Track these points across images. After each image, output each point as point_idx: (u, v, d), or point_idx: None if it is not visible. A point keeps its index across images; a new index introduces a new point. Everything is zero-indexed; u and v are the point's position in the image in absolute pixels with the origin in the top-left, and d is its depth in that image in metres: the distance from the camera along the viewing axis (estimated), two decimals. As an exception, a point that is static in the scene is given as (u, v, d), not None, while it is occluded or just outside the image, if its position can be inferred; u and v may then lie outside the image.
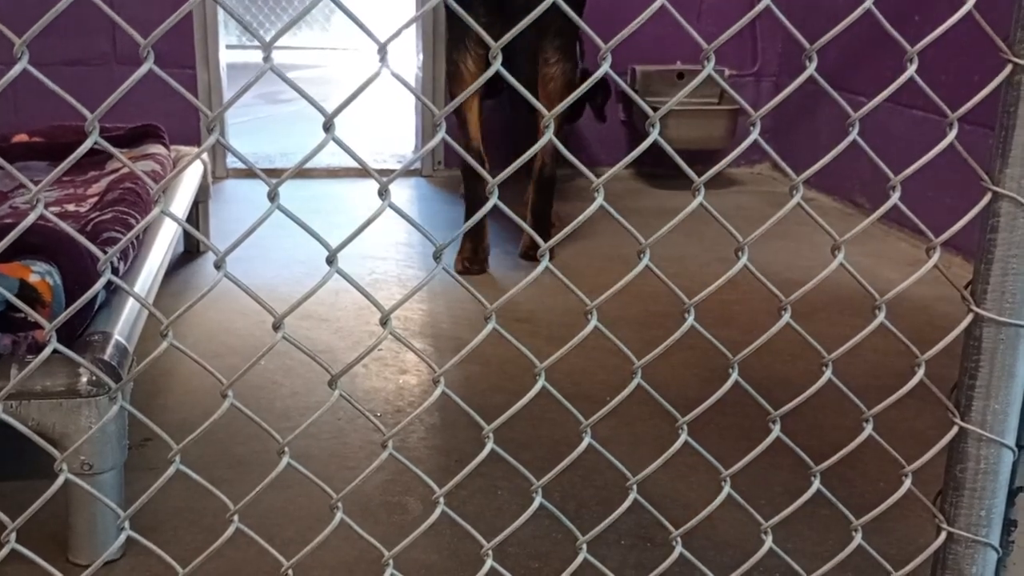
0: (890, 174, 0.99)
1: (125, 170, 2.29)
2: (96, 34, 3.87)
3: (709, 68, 0.89)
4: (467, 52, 2.98)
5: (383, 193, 0.85)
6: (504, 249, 3.11)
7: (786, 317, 1.00)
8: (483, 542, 1.03)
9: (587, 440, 1.01)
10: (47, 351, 0.80)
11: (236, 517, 0.94)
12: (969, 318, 1.02)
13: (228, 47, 4.26)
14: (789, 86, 0.97)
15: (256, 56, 6.75)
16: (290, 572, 0.99)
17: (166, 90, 0.79)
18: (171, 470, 0.90)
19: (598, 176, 0.91)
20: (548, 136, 0.86)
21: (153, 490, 0.90)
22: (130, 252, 1.89)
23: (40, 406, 1.39)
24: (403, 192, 3.96)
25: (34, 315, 0.80)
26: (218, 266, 0.81)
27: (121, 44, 3.90)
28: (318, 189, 3.93)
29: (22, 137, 2.65)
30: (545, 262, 0.92)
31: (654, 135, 0.89)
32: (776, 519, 1.11)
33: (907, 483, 1.10)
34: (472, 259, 2.94)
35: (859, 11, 0.92)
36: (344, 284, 2.95)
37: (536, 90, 2.95)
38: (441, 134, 0.84)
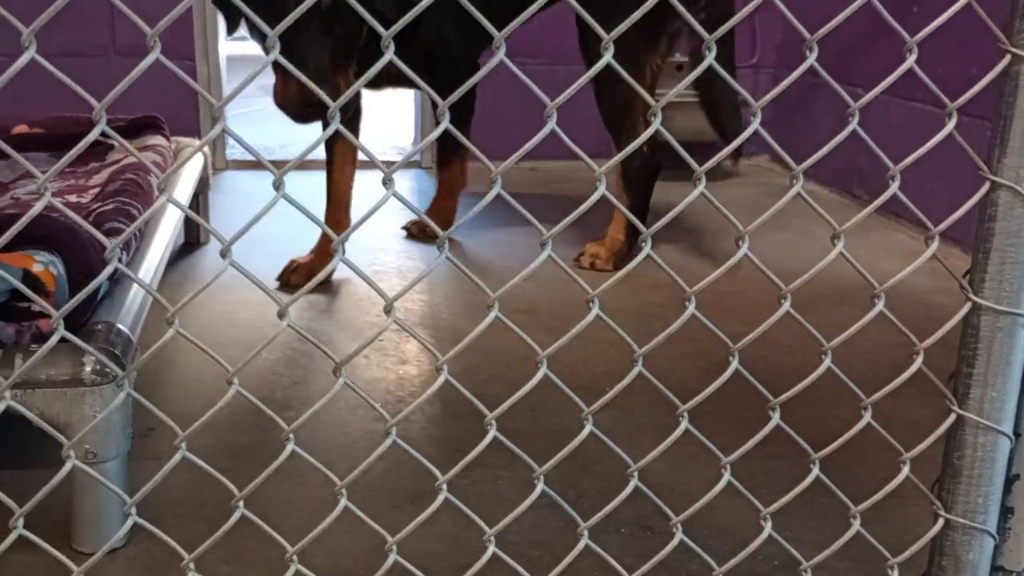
0: (889, 164, 1.00)
1: (126, 161, 2.30)
2: (94, 25, 3.87)
3: (710, 59, 0.90)
4: (659, 53, 2.86)
5: (387, 182, 0.86)
6: (503, 240, 3.12)
7: (786, 306, 1.01)
8: (485, 529, 1.04)
9: (588, 428, 1.02)
10: (55, 339, 0.80)
11: (240, 504, 0.95)
12: (967, 307, 1.03)
13: (227, 38, 4.25)
14: (788, 77, 0.98)
15: (255, 48, 6.70)
16: (294, 559, 1.00)
17: (165, 81, 0.79)
18: (177, 457, 0.91)
19: (599, 166, 0.92)
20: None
21: (159, 477, 0.90)
22: (132, 243, 1.90)
23: (45, 395, 1.40)
24: (403, 184, 3.96)
25: (42, 303, 0.81)
26: (224, 255, 0.82)
27: (120, 35, 3.90)
28: (316, 181, 3.92)
29: (22, 128, 2.65)
30: (547, 251, 0.93)
31: (656, 124, 0.90)
32: (775, 506, 1.12)
33: (905, 471, 1.11)
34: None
35: (859, 2, 0.93)
36: (344, 274, 2.96)
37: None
38: (445, 124, 0.85)
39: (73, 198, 2.13)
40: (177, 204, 0.82)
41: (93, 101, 0.72)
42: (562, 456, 1.03)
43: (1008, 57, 0.96)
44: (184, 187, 2.64)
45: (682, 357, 2.23)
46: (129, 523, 0.95)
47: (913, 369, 1.05)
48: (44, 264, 1.44)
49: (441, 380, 0.96)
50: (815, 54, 0.93)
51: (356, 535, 1.52)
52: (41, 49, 0.71)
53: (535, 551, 1.52)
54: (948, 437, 1.08)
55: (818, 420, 1.90)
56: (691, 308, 0.98)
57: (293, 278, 2.69)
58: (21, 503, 0.88)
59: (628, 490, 1.06)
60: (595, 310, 0.95)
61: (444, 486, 1.01)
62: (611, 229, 2.99)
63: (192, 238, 3.09)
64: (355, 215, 2.88)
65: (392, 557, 1.03)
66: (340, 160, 2.84)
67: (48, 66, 0.73)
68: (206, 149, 3.06)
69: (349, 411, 1.98)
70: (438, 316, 2.56)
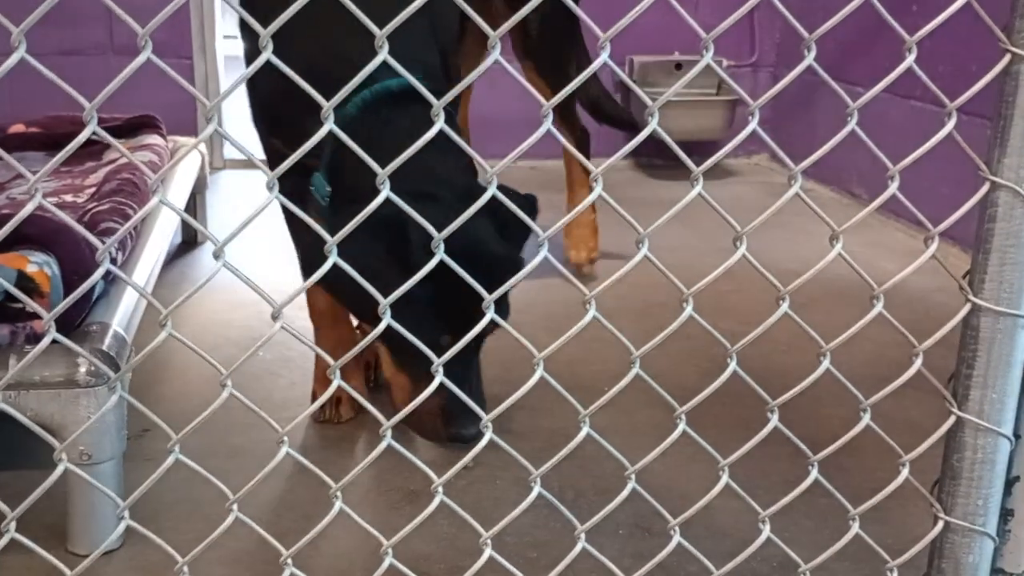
0: (889, 164, 0.99)
1: (122, 160, 2.29)
2: (92, 24, 3.86)
3: (708, 57, 0.89)
4: None
5: (383, 183, 0.85)
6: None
7: (784, 307, 1.00)
8: (481, 531, 1.04)
9: (585, 430, 1.01)
10: (46, 340, 0.80)
11: (235, 506, 0.95)
12: (967, 308, 1.02)
13: (225, 37, 4.24)
14: (787, 76, 0.97)
15: (253, 46, 6.64)
16: (289, 561, 0.99)
17: (163, 80, 0.79)
18: (170, 459, 0.90)
19: (596, 167, 0.91)
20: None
21: (153, 479, 0.90)
22: (128, 242, 1.89)
23: (39, 396, 1.39)
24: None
25: (33, 305, 0.80)
26: (217, 256, 0.81)
27: (117, 34, 3.89)
28: (315, 180, 3.91)
29: (19, 127, 2.64)
30: (544, 251, 0.92)
31: (653, 124, 0.89)
32: (774, 508, 1.11)
33: (904, 472, 1.10)
34: None
35: (858, 0, 0.92)
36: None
37: None
38: (440, 124, 0.84)
39: (69, 197, 2.12)
40: (170, 206, 0.81)
41: (84, 101, 0.72)
42: (559, 458, 1.02)
43: (1008, 56, 0.96)
44: (181, 187, 2.63)
45: (681, 356, 2.23)
46: (123, 526, 0.94)
47: (912, 371, 1.04)
48: (39, 265, 1.44)
49: (436, 383, 0.96)
50: (813, 53, 0.92)
51: (353, 537, 1.51)
52: (38, 48, 0.70)
53: (532, 552, 1.51)
54: (948, 439, 1.07)
55: (817, 421, 1.89)
56: (688, 309, 0.98)
57: None
58: (17, 504, 0.87)
59: (625, 492, 1.05)
60: (592, 311, 0.94)
61: (440, 489, 1.00)
62: (584, 216, 2.82)
63: (189, 237, 3.08)
64: (353, 214, 2.86)
65: (388, 560, 1.02)
66: None
67: (38, 66, 0.72)
68: (203, 148, 3.05)
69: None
70: (436, 316, 2.55)
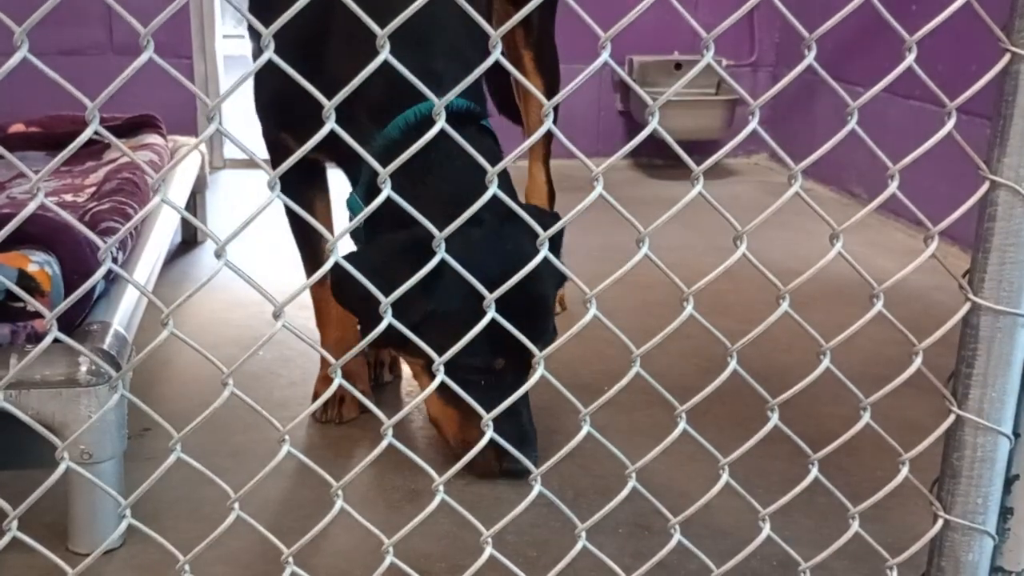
0: (888, 163, 0.99)
1: (123, 160, 2.29)
2: (92, 23, 3.86)
3: (709, 57, 0.89)
4: None
5: (384, 182, 0.85)
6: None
7: (784, 306, 1.00)
8: (482, 530, 1.04)
9: (585, 428, 1.01)
10: (48, 339, 0.80)
11: (236, 505, 0.95)
12: (967, 307, 1.03)
13: (225, 37, 4.25)
14: (787, 75, 0.97)
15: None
16: (290, 560, 0.99)
17: (163, 80, 0.79)
18: (172, 458, 0.90)
19: (597, 166, 0.92)
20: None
21: (154, 478, 0.90)
22: (128, 242, 1.89)
23: (40, 395, 1.39)
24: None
25: (34, 304, 0.80)
26: (219, 255, 0.81)
27: (117, 34, 3.89)
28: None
29: (19, 127, 2.64)
30: (544, 251, 0.93)
31: (653, 123, 0.90)
32: (774, 507, 1.11)
33: (904, 471, 1.10)
34: None
35: (857, 0, 0.92)
36: (342, 274, 2.91)
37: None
38: (441, 123, 0.84)
39: (69, 197, 2.12)
40: (172, 205, 0.81)
41: (86, 101, 0.72)
42: (559, 457, 1.02)
43: (1008, 56, 0.96)
44: (181, 186, 2.63)
45: (681, 355, 2.23)
46: (124, 524, 0.95)
47: (912, 369, 1.04)
48: (40, 264, 1.44)
49: (437, 382, 0.96)
50: (813, 52, 0.93)
51: (353, 535, 1.51)
52: (38, 48, 0.70)
53: (533, 551, 1.52)
54: (947, 437, 1.07)
55: (816, 418, 1.90)
56: (689, 308, 0.98)
57: None
58: (18, 503, 0.88)
59: (626, 491, 1.05)
60: (592, 310, 0.95)
61: (441, 487, 1.00)
62: (539, 181, 2.68)
63: (189, 236, 3.09)
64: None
65: (389, 559, 1.02)
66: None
67: (41, 66, 0.73)
68: (203, 147, 3.05)
69: (347, 410, 1.97)
70: (436, 315, 2.55)
